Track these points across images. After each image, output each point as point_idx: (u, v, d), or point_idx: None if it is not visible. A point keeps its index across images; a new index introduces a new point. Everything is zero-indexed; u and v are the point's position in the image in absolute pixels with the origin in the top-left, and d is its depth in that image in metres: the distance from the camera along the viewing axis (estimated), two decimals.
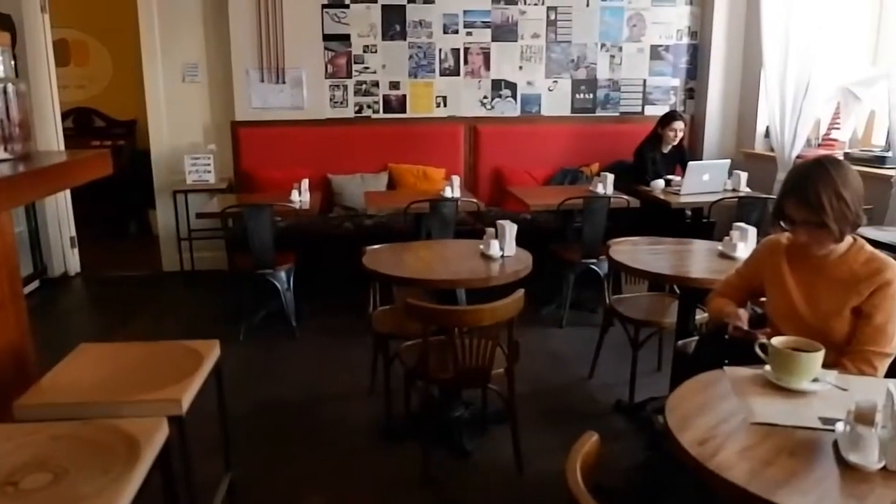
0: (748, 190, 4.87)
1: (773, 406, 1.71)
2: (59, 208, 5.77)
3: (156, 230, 6.20)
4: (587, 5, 5.82)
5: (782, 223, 2.13)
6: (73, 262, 5.97)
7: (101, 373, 1.98)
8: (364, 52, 5.71)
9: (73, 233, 5.95)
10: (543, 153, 5.86)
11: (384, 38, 5.70)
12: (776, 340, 1.84)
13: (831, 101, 5.01)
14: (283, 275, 4.40)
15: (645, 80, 6.03)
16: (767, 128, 5.53)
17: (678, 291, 3.35)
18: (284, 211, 4.51)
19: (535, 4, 5.78)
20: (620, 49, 5.94)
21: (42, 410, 1.78)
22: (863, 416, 1.48)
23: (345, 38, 5.68)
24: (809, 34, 4.89)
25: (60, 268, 5.86)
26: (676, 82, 6.06)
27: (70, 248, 5.92)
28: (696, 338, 2.88)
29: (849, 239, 2.10)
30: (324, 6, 5.61)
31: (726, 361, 2.04)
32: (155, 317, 4.96)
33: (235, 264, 4.59)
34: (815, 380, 1.80)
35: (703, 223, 4.95)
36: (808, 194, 2.02)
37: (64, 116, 6.40)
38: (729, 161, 5.01)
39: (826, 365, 1.84)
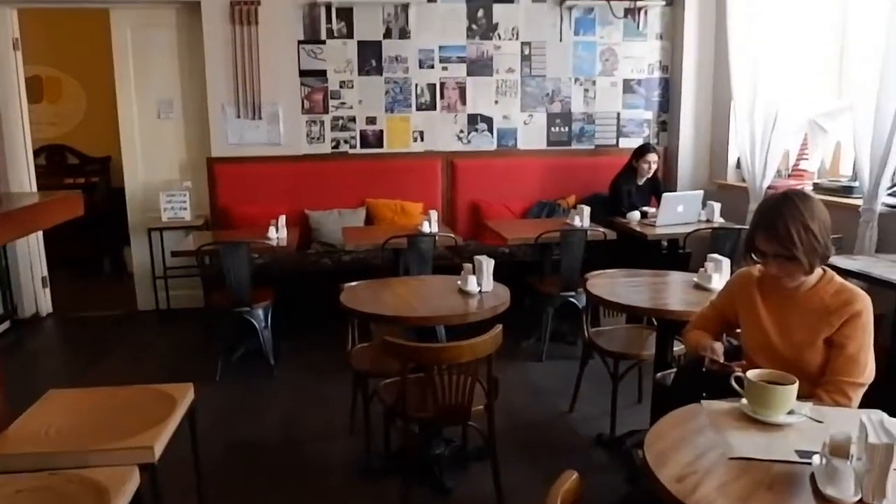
0: (722, 220, 4.93)
1: (751, 440, 1.71)
2: (31, 247, 5.69)
3: (130, 268, 6.13)
4: (560, 40, 5.92)
5: (754, 256, 2.16)
6: (45, 303, 5.88)
7: (71, 420, 1.94)
8: (340, 87, 5.75)
9: (45, 272, 5.87)
10: (520, 186, 5.90)
11: (360, 73, 5.75)
12: (751, 374, 1.86)
13: (799, 133, 5.11)
14: (260, 312, 4.36)
15: (619, 114, 6.12)
16: (739, 159, 5.63)
17: (656, 323, 3.37)
18: (261, 248, 4.48)
19: (510, 39, 5.87)
20: (594, 83, 6.03)
21: (9, 461, 1.73)
22: (838, 449, 1.49)
23: (321, 74, 5.71)
24: (776, 69, 5.00)
25: (31, 308, 5.76)
26: (649, 115, 6.16)
27: (42, 288, 5.83)
28: (675, 370, 2.89)
29: (819, 271, 2.13)
30: (300, 42, 5.64)
31: (704, 395, 2.05)
32: (129, 358, 4.87)
33: (212, 302, 4.54)
34: (791, 412, 1.81)
35: (679, 254, 5.01)
36: (777, 228, 2.05)
37: (36, 153, 6.35)
38: (702, 192, 5.09)
39: (801, 396, 1.85)
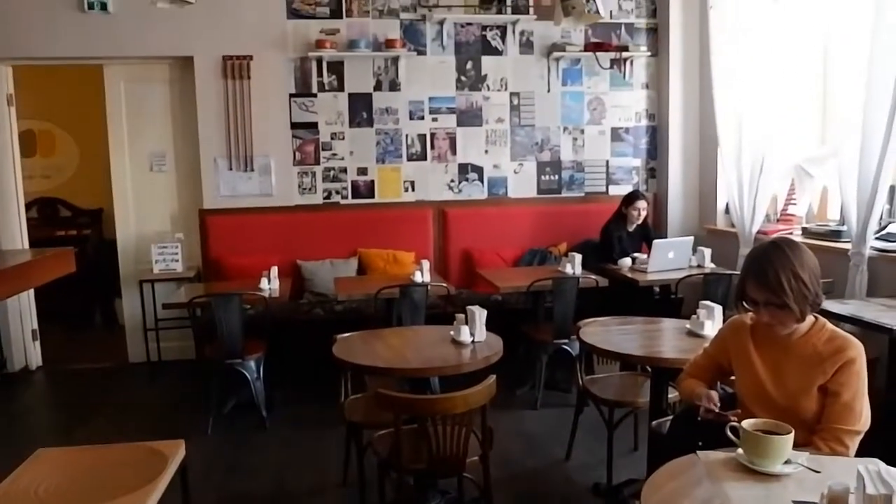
0: (713, 265, 4.97)
1: (748, 491, 1.70)
2: (21, 300, 5.65)
3: (121, 320, 6.09)
4: (548, 90, 6.02)
5: (745, 304, 2.18)
6: (35, 356, 5.81)
7: (60, 480, 1.91)
8: (332, 139, 5.81)
9: (35, 325, 5.82)
10: (511, 234, 5.93)
11: (351, 125, 5.82)
12: (747, 423, 1.85)
13: (786, 178, 5.18)
14: (252, 364, 4.33)
15: (608, 161, 6.19)
16: (727, 204, 5.69)
17: (650, 370, 3.36)
18: (253, 299, 4.47)
19: (499, 90, 5.97)
20: (582, 131, 6.12)
21: None
22: (836, 501, 1.48)
23: (312, 126, 5.78)
24: (760, 115, 5.09)
25: (21, 362, 5.70)
26: (638, 162, 6.24)
27: (31, 341, 5.78)
28: (671, 417, 2.87)
29: (811, 318, 2.15)
30: (291, 95, 5.72)
31: (700, 444, 2.04)
32: (119, 412, 4.81)
33: (204, 354, 4.51)
34: (788, 462, 1.80)
35: (672, 299, 5.02)
36: (767, 276, 2.07)
37: (28, 206, 6.37)
38: (692, 238, 5.13)
39: (798, 444, 1.85)
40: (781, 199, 5.38)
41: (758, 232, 5.19)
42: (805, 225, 4.97)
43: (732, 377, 2.39)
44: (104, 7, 5.33)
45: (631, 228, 5.31)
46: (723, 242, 5.50)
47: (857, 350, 2.07)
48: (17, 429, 4.57)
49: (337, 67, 5.74)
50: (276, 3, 5.60)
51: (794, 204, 5.23)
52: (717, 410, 2.16)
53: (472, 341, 3.18)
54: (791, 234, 5.05)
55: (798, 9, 4.80)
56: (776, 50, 4.90)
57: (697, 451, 1.93)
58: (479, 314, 3.20)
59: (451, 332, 3.24)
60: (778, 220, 5.38)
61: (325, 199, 5.86)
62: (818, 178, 4.92)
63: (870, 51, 4.00)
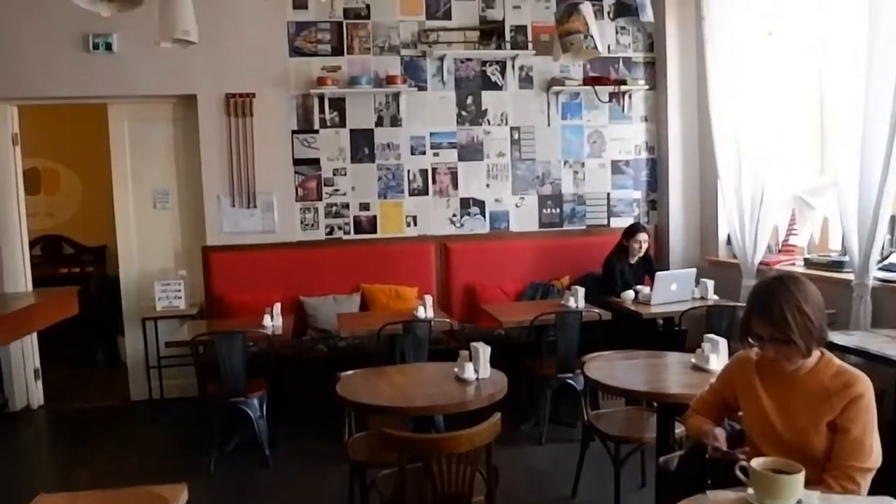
0: (716, 297, 4.96)
1: None
2: (24, 339, 5.63)
3: (124, 357, 6.07)
4: (548, 124, 6.07)
5: (750, 339, 2.17)
6: (37, 395, 5.78)
7: None
8: (334, 174, 5.84)
9: (38, 364, 5.79)
10: (514, 268, 5.93)
11: (353, 160, 5.85)
12: (756, 462, 1.83)
13: (786, 209, 5.19)
14: (255, 402, 4.31)
15: (608, 194, 6.22)
16: (729, 235, 5.69)
17: (656, 405, 3.33)
18: (256, 336, 4.46)
19: (499, 125, 6.02)
20: (583, 165, 6.16)
21: None
22: None
23: (314, 162, 5.82)
24: (759, 146, 5.11)
25: (23, 401, 5.67)
26: (638, 195, 6.27)
27: (34, 380, 5.75)
28: (678, 453, 2.84)
29: (817, 353, 2.13)
30: (294, 132, 5.77)
31: (709, 482, 2.01)
32: (121, 451, 4.76)
33: (206, 392, 4.49)
34: (799, 502, 1.77)
35: (675, 332, 5.00)
36: (772, 311, 2.06)
37: (32, 244, 6.39)
38: (695, 270, 5.14)
39: (809, 482, 1.82)
40: (782, 229, 5.38)
41: (760, 263, 5.19)
42: (807, 256, 4.96)
43: (740, 412, 2.37)
44: (109, 47, 5.41)
45: (633, 261, 5.31)
46: (725, 274, 5.49)
47: (865, 385, 2.06)
48: (19, 470, 4.52)
49: (338, 104, 5.79)
50: (278, 41, 5.67)
51: (796, 234, 5.23)
52: (724, 449, 2.14)
53: (477, 378, 3.17)
54: (793, 264, 5.05)
55: (792, 41, 4.84)
56: (772, 81, 4.94)
57: (706, 490, 1.90)
58: (483, 351, 3.19)
59: (455, 369, 3.22)
60: (780, 251, 5.38)
61: (327, 234, 5.87)
62: (818, 209, 4.93)
63: (865, 81, 4.03)
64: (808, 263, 4.84)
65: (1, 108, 5.50)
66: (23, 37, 5.32)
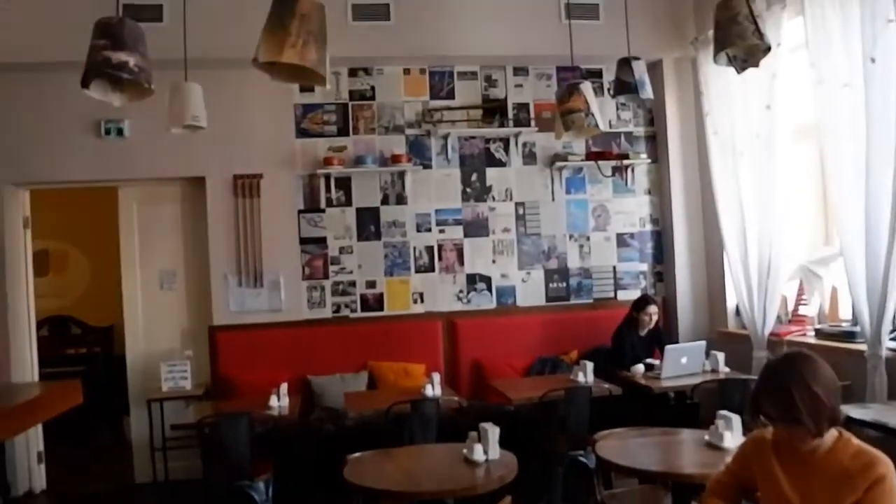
0: (727, 370, 4.90)
1: None
2: None
3: (129, 437, 5.98)
4: (553, 199, 6.13)
5: (762, 418, 2.13)
6: (39, 479, 5.67)
7: None
8: (340, 253, 5.88)
9: (41, 447, 5.70)
10: (522, 343, 5.89)
11: (359, 238, 5.90)
12: None
13: (794, 279, 5.17)
14: (261, 486, 4.21)
15: (614, 267, 6.22)
16: (737, 306, 5.65)
17: (671, 484, 3.25)
18: (263, 418, 4.41)
19: (504, 200, 6.08)
20: (588, 238, 6.18)
21: None
22: None
23: (321, 241, 5.86)
24: (763, 217, 5.13)
25: (25, 485, 5.55)
26: (644, 267, 6.27)
27: (37, 464, 5.65)
28: None
29: (834, 433, 2.09)
30: (300, 211, 5.84)
31: None
32: None
33: (211, 475, 4.40)
34: None
35: (687, 405, 4.92)
36: (780, 392, 2.04)
37: (39, 325, 6.39)
38: (704, 343, 5.09)
39: None
40: (791, 299, 5.35)
41: (770, 334, 5.13)
42: (818, 326, 4.91)
43: (759, 493, 2.31)
44: (120, 132, 5.55)
45: (643, 333, 5.28)
46: (736, 345, 5.43)
47: (887, 466, 2.01)
48: None
49: (344, 183, 5.88)
50: (285, 123, 5.81)
51: (805, 304, 5.20)
52: None
53: (486, 460, 3.12)
54: (804, 335, 4.99)
55: (790, 113, 4.91)
56: (773, 152, 4.97)
57: None
58: (492, 432, 3.14)
59: (464, 451, 3.17)
60: (790, 322, 5.33)
61: (334, 312, 5.86)
62: (826, 279, 4.91)
63: (866, 151, 4.04)
64: (820, 334, 4.79)
65: (14, 193, 5.59)
66: (37, 123, 5.46)
